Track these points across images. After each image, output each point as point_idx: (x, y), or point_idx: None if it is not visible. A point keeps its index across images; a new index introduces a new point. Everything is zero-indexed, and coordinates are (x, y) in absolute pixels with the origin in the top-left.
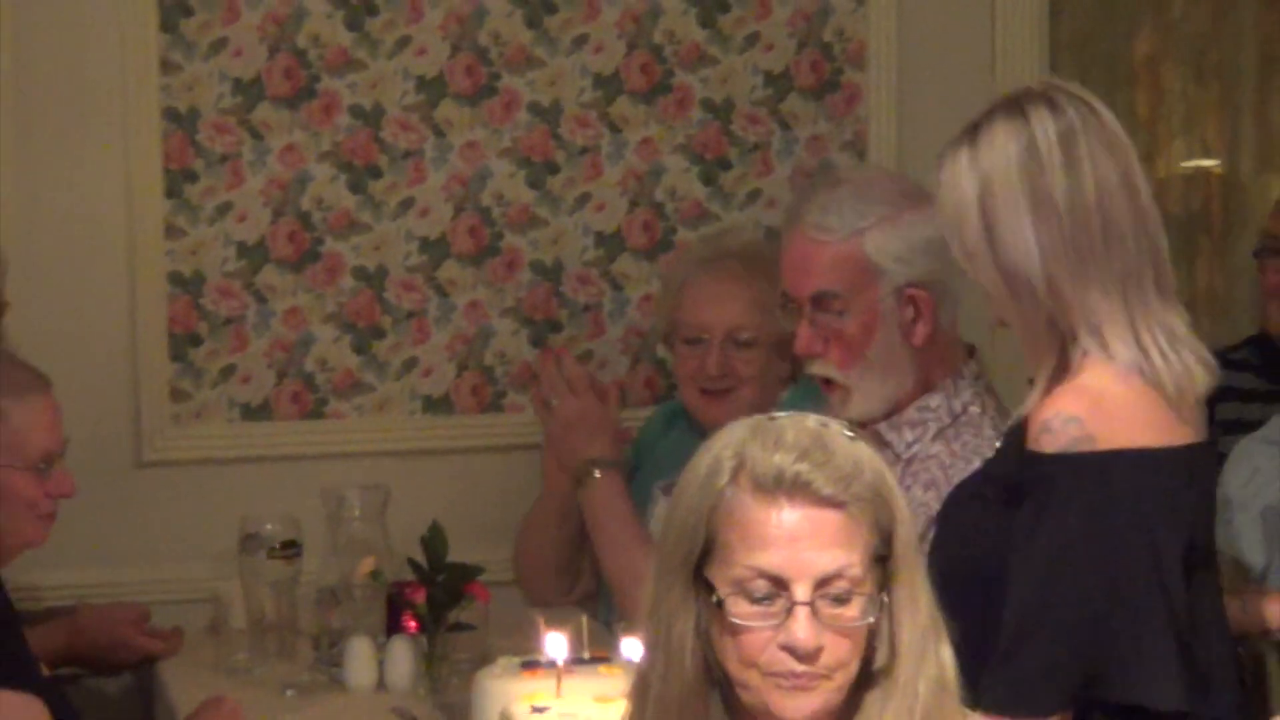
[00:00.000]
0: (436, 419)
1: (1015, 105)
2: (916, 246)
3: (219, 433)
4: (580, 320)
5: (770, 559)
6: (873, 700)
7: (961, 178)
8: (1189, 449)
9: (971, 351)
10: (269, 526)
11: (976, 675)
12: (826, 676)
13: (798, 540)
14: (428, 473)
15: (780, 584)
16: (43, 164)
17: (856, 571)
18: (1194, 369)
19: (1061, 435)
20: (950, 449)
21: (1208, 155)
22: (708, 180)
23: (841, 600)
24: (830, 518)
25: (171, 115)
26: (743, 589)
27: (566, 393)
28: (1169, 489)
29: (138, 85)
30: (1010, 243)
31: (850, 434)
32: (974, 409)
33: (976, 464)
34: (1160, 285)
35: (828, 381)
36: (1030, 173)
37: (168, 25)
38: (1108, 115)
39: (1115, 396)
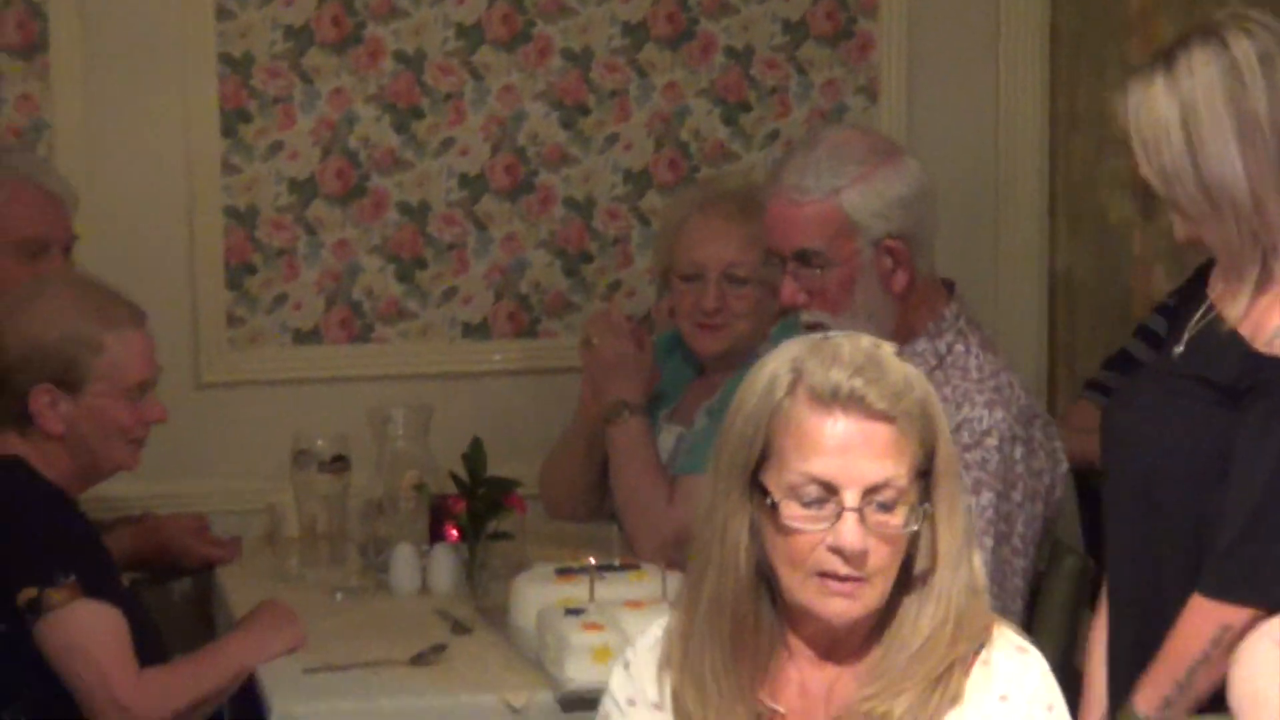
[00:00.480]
0: (475, 344)
1: (1211, 32)
2: (891, 201)
3: (272, 356)
4: (609, 252)
5: (823, 466)
6: (910, 604)
7: (1159, 101)
8: None
9: (951, 290)
10: (319, 443)
11: (1173, 564)
12: (868, 582)
13: (849, 450)
14: (467, 394)
15: (831, 489)
16: (108, 106)
17: (902, 482)
18: None
19: None
20: (941, 394)
21: None
22: (729, 121)
23: (887, 508)
24: (881, 430)
25: (227, 60)
26: (795, 493)
27: (610, 335)
28: None
29: (196, 32)
30: (1216, 161)
31: (899, 355)
32: (959, 348)
33: (968, 412)
34: None
35: (817, 326)
36: (1234, 94)
37: None
38: None
39: None
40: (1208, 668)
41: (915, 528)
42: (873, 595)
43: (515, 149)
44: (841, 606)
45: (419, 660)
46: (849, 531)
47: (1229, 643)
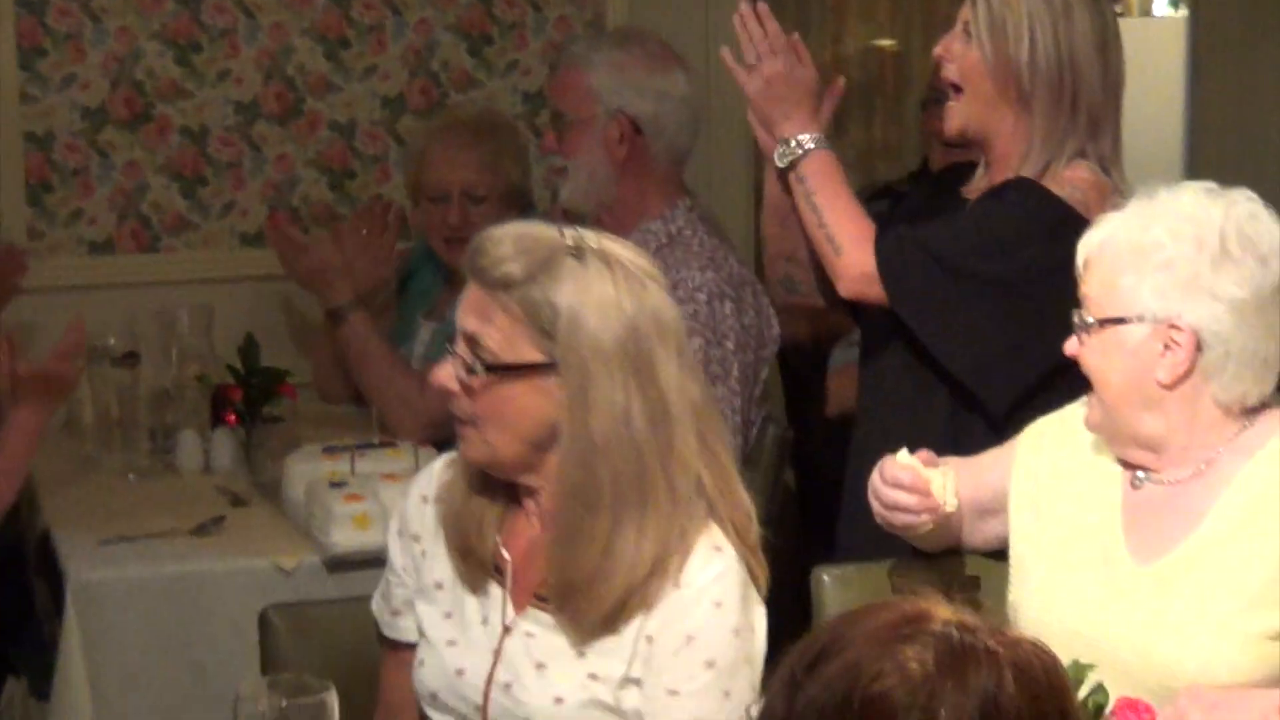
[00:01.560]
0: (252, 251)
1: None
2: (631, 84)
3: (69, 265)
4: (370, 170)
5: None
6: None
7: None
8: None
9: (689, 194)
10: (112, 341)
11: None
12: (475, 428)
13: (465, 309)
14: (244, 296)
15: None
16: None
17: (490, 343)
18: None
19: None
20: (665, 263)
21: (883, 36)
22: (474, 53)
23: (475, 363)
24: (483, 298)
25: (22, 2)
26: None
27: (290, 249)
28: None
29: None
30: (1084, 60)
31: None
32: (686, 232)
33: (684, 273)
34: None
35: (558, 169)
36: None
37: None
38: None
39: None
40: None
41: (469, 377)
42: (480, 444)
43: (285, 79)
44: (461, 448)
45: (201, 530)
46: (439, 369)
47: None
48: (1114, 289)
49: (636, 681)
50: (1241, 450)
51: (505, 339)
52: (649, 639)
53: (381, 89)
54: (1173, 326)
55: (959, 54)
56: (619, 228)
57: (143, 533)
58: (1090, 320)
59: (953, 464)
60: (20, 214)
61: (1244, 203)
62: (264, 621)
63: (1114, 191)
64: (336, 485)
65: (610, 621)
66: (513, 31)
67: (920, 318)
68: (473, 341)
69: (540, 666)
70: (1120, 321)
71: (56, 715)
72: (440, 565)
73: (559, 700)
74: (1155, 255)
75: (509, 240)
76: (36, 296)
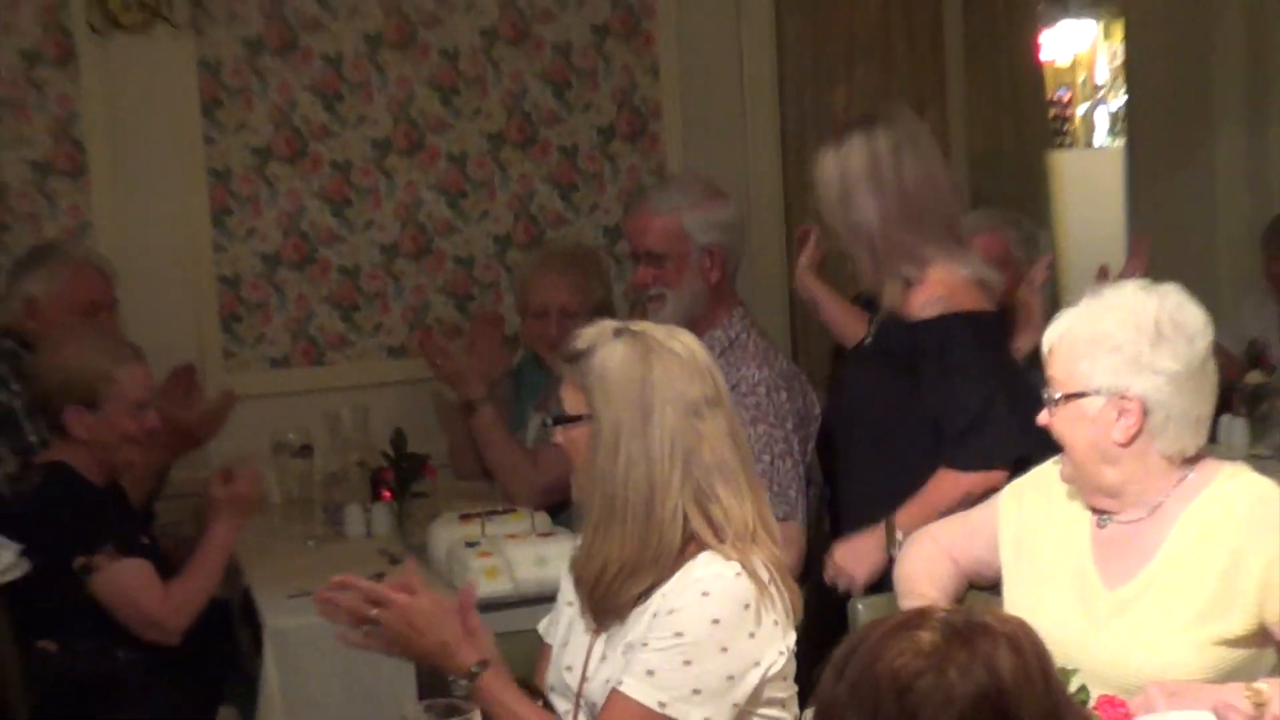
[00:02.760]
0: (397, 362)
1: (869, 122)
2: (714, 223)
3: (255, 378)
4: (486, 294)
5: None
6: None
7: (828, 169)
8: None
9: (741, 302)
10: (290, 437)
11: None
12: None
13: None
14: (392, 398)
15: None
16: (132, 211)
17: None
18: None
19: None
20: (727, 363)
21: None
22: (564, 198)
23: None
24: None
25: (213, 173)
26: None
27: (439, 356)
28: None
29: (190, 155)
30: (858, 212)
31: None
32: (743, 336)
33: (744, 371)
34: (956, 233)
35: (659, 297)
36: (872, 170)
37: (207, 112)
38: (925, 136)
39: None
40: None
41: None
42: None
43: (418, 225)
44: None
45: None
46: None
47: (970, 502)
48: (1074, 371)
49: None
50: (1184, 494)
51: (570, 399)
52: (654, 615)
53: (493, 229)
54: (1123, 397)
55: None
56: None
57: (323, 588)
58: (1057, 396)
59: (954, 522)
60: (217, 340)
61: (1173, 294)
62: None
63: (964, 266)
64: (471, 545)
65: (621, 612)
66: (593, 180)
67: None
68: (559, 405)
69: (604, 658)
70: (1081, 395)
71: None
72: (569, 589)
73: (606, 681)
74: (1105, 342)
75: (583, 332)
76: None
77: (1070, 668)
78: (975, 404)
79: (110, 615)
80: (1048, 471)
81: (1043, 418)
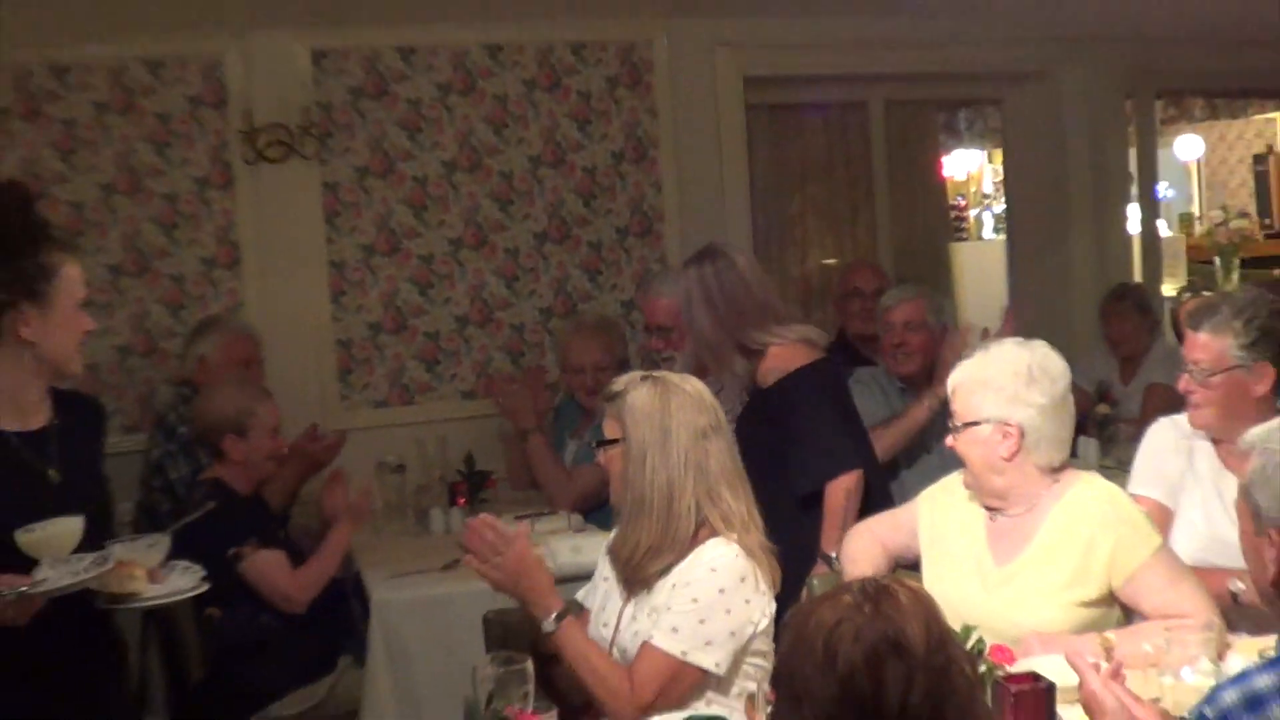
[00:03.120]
0: (468, 403)
1: (707, 254)
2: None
3: (363, 416)
4: (533, 352)
5: None
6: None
7: (679, 287)
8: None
9: None
10: (389, 459)
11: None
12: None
13: None
14: (464, 429)
15: None
16: (273, 292)
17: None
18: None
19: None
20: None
21: (828, 256)
22: (591, 280)
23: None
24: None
25: (332, 264)
26: None
27: (504, 396)
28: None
29: (314, 251)
30: (695, 322)
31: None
32: (724, 387)
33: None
34: (777, 316)
35: (668, 359)
36: (705, 290)
37: (328, 220)
38: (741, 259)
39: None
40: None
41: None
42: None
43: (483, 301)
44: None
45: (447, 567)
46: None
47: (851, 498)
48: (969, 405)
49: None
50: (1054, 495)
51: (610, 428)
52: (673, 587)
53: (538, 304)
54: (1006, 424)
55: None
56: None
57: (413, 570)
58: (959, 425)
59: (884, 519)
60: (335, 387)
61: (1040, 348)
62: (486, 621)
63: (789, 334)
64: None
65: (649, 582)
66: (613, 266)
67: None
68: (600, 433)
69: (634, 618)
70: (975, 424)
71: (369, 674)
72: (606, 567)
73: (635, 634)
74: (992, 383)
75: (618, 379)
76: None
77: (971, 625)
78: (829, 426)
79: (255, 591)
80: (953, 481)
81: (949, 440)
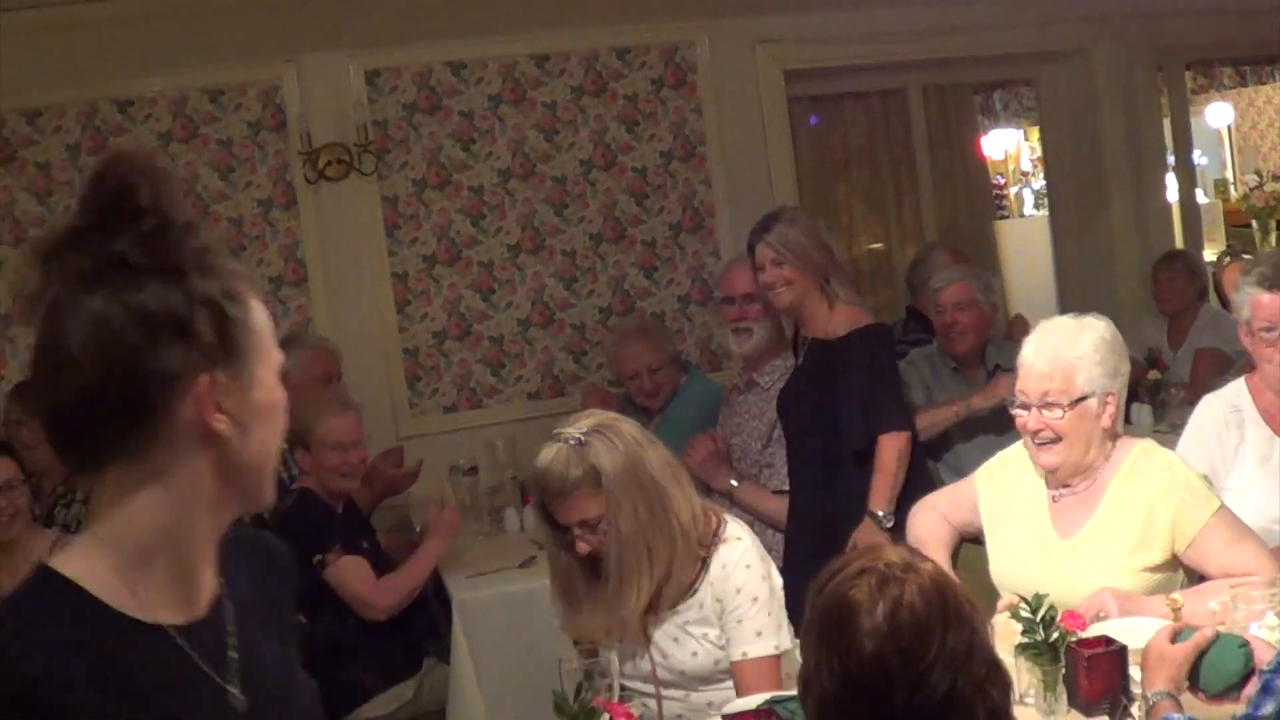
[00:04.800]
0: (535, 403)
1: (780, 211)
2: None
3: (432, 421)
4: (594, 350)
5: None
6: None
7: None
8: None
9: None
10: (461, 461)
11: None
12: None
13: None
14: (532, 429)
15: None
16: (340, 310)
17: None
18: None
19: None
20: (783, 384)
21: (874, 241)
22: (648, 277)
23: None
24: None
25: (395, 275)
26: None
27: (587, 397)
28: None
29: (378, 262)
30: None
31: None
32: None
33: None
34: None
35: (748, 330)
36: (809, 226)
37: (389, 233)
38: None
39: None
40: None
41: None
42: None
43: (544, 304)
44: None
45: (524, 565)
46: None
47: (901, 457)
48: (1074, 383)
49: (716, 625)
50: (1113, 465)
51: (584, 508)
52: (718, 600)
53: (598, 303)
54: (1109, 394)
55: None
56: (764, 361)
57: (491, 569)
58: (1067, 403)
59: (945, 495)
60: (404, 394)
61: (1102, 320)
62: None
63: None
64: None
65: (671, 603)
66: (668, 263)
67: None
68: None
69: (676, 640)
70: (1083, 399)
71: (455, 672)
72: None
73: (694, 654)
74: (1089, 359)
75: (558, 469)
76: (417, 440)
77: (1041, 594)
78: (890, 384)
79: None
80: (1009, 455)
81: (1037, 420)
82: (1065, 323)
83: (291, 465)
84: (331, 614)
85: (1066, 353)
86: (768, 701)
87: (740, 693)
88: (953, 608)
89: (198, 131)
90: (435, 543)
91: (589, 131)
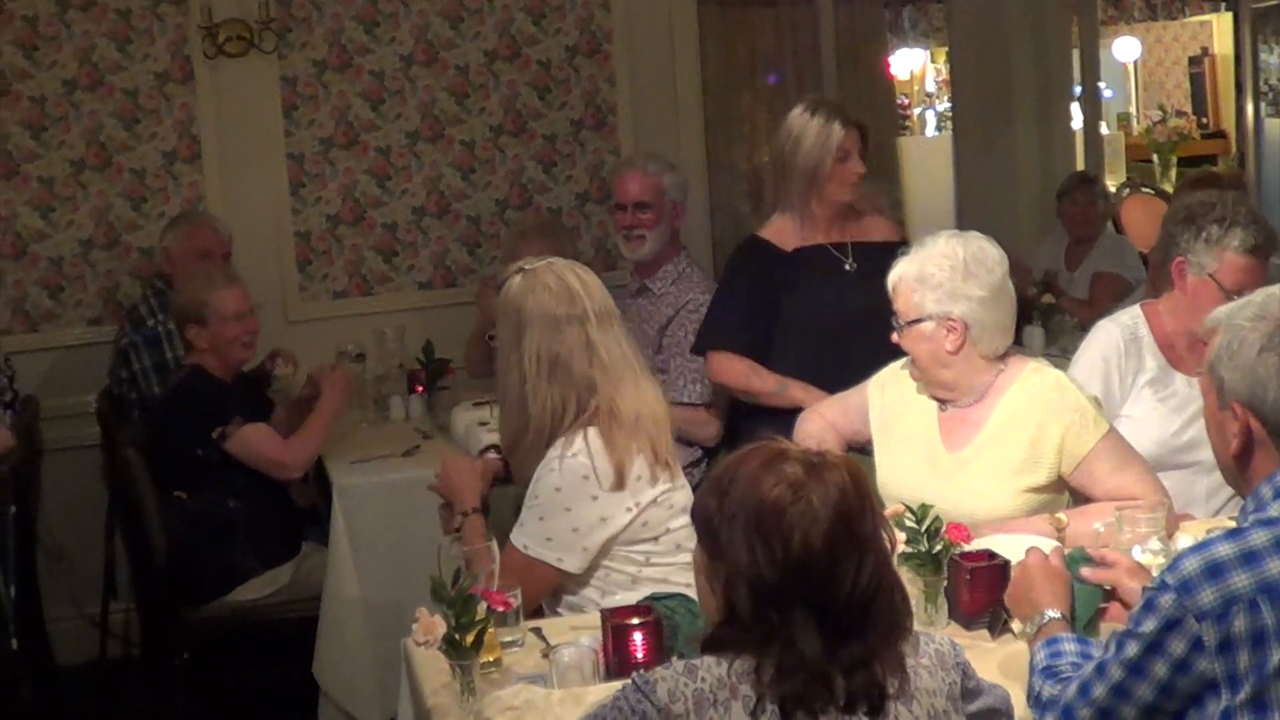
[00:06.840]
0: (425, 293)
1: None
2: (680, 185)
3: (321, 306)
4: (489, 243)
5: None
6: None
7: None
8: None
9: (684, 247)
10: (349, 348)
11: None
12: None
13: None
14: (422, 319)
15: None
16: (234, 187)
17: None
18: None
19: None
20: (679, 289)
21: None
22: (546, 172)
23: None
24: None
25: (291, 156)
26: None
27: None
28: None
29: (274, 142)
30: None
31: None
32: (688, 270)
33: (691, 295)
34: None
35: (640, 237)
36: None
37: (286, 114)
38: None
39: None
40: None
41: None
42: None
43: (439, 193)
44: None
45: (407, 454)
46: None
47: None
48: (910, 303)
49: None
50: (1002, 383)
51: None
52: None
53: (495, 195)
54: (948, 318)
55: None
56: (656, 267)
57: (374, 456)
58: (903, 323)
59: (834, 402)
60: (294, 278)
61: (975, 239)
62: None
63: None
64: (482, 424)
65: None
66: (568, 159)
67: None
68: None
69: None
70: (918, 321)
71: (333, 557)
72: None
73: None
74: (929, 280)
75: (508, 270)
76: (303, 325)
77: (928, 504)
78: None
79: (238, 470)
80: (899, 369)
81: (894, 337)
82: (928, 242)
83: (177, 345)
84: (211, 492)
85: (911, 270)
86: (648, 598)
87: None
88: (869, 494)
89: (95, 1)
90: (331, 397)
91: (495, 21)
